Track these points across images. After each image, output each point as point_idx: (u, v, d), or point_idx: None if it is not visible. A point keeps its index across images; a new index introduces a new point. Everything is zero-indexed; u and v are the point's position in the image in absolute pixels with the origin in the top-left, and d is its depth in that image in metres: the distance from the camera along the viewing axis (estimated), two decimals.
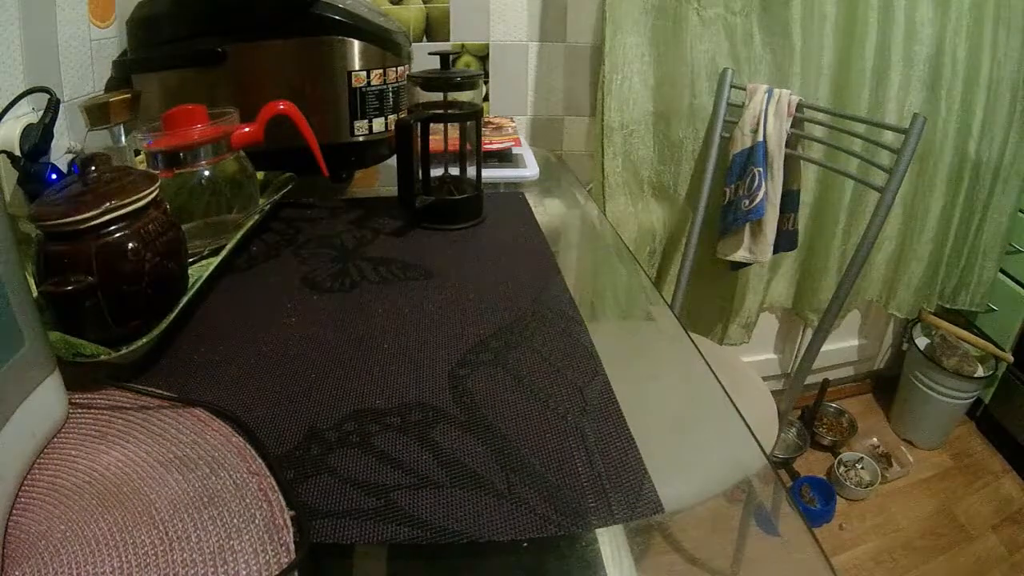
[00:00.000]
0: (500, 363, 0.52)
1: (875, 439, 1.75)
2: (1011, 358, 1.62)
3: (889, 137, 1.14)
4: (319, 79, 0.84)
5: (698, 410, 0.51)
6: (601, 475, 0.41)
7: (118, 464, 0.40)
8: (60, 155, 0.79)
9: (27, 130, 0.69)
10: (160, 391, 0.46)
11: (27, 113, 0.72)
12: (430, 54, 0.79)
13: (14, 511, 0.37)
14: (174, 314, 0.52)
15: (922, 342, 1.73)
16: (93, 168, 0.51)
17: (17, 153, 0.69)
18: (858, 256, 1.11)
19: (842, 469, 1.63)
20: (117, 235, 0.49)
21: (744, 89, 1.27)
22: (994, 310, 1.70)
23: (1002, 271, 1.69)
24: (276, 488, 0.38)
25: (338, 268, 0.68)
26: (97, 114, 0.82)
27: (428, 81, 0.76)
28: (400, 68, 0.89)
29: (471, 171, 0.82)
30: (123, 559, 0.34)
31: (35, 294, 0.45)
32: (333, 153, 0.82)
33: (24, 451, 0.39)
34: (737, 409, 0.48)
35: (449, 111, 0.78)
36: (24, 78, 0.75)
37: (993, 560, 1.39)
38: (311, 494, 0.39)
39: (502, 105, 1.37)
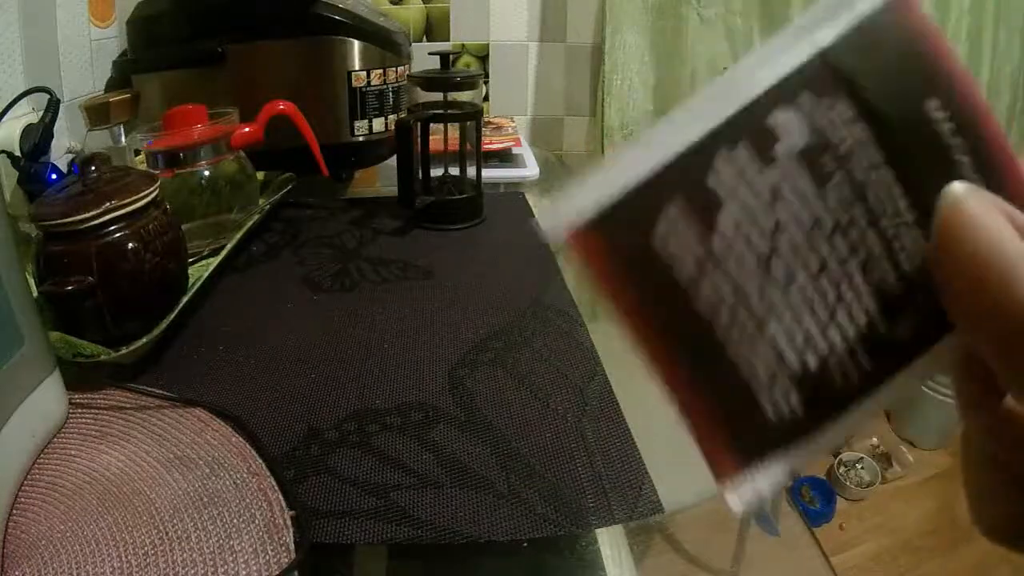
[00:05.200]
0: (500, 363, 0.52)
1: (875, 439, 1.75)
2: None
3: None
4: (319, 79, 0.84)
5: None
6: (601, 475, 0.41)
7: (118, 464, 0.40)
8: (60, 155, 0.79)
9: (27, 130, 0.69)
10: (160, 391, 0.46)
11: (27, 113, 0.72)
12: (430, 54, 0.79)
13: (14, 511, 0.37)
14: (174, 314, 0.52)
15: None
16: (93, 168, 0.51)
17: (17, 153, 0.69)
18: None
19: (842, 469, 1.63)
20: (117, 235, 0.49)
21: None
22: None
23: None
24: (276, 488, 0.38)
25: (338, 268, 0.68)
26: (97, 114, 0.82)
27: (428, 81, 0.76)
28: (400, 68, 0.89)
29: (471, 171, 0.82)
30: (123, 559, 0.34)
31: (35, 294, 0.45)
32: (333, 153, 0.82)
33: (24, 451, 0.39)
34: None
35: (449, 111, 0.78)
36: (24, 78, 0.75)
37: (993, 561, 1.39)
38: (311, 494, 0.39)
39: (502, 105, 1.37)
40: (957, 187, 0.15)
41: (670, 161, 0.15)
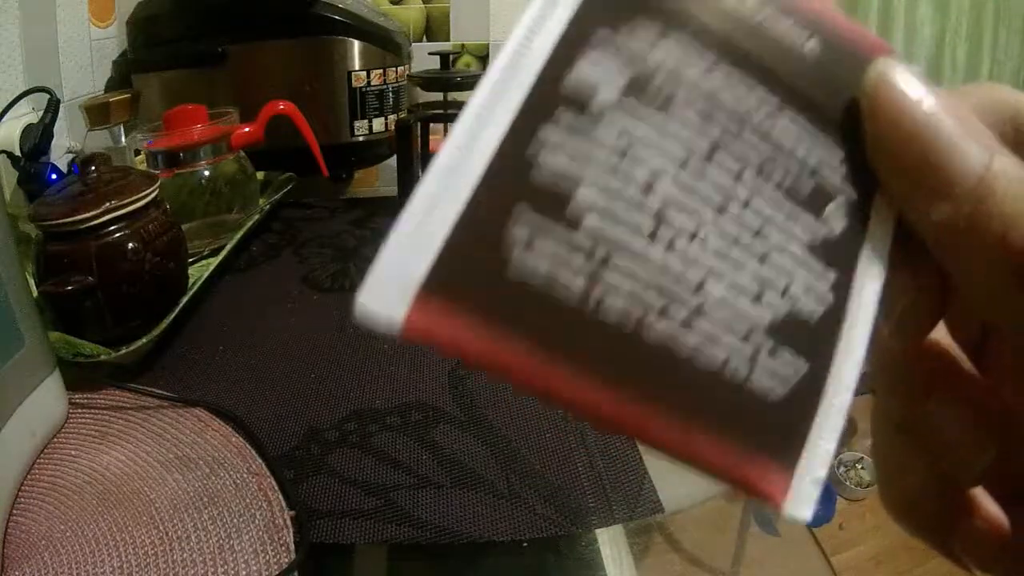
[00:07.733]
0: None
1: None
2: None
3: None
4: (319, 79, 0.84)
5: None
6: (601, 475, 0.41)
7: (118, 464, 0.40)
8: (60, 155, 0.79)
9: (27, 130, 0.69)
10: (160, 391, 0.46)
11: (27, 113, 0.72)
12: (430, 54, 0.79)
13: (14, 511, 0.37)
14: (174, 314, 0.52)
15: None
16: (93, 168, 0.51)
17: (17, 153, 0.69)
18: None
19: (842, 469, 1.63)
20: (117, 235, 0.49)
21: None
22: None
23: None
24: (276, 488, 0.38)
25: (338, 268, 0.68)
26: (97, 114, 0.82)
27: (428, 81, 0.76)
28: (400, 68, 0.89)
29: None
30: (123, 559, 0.34)
31: (35, 294, 0.45)
32: (333, 153, 0.82)
33: (24, 451, 0.39)
34: None
35: (449, 111, 0.77)
36: (24, 78, 0.75)
37: None
38: (311, 494, 0.39)
39: None
40: (879, 63, 0.14)
41: (486, 169, 0.12)
